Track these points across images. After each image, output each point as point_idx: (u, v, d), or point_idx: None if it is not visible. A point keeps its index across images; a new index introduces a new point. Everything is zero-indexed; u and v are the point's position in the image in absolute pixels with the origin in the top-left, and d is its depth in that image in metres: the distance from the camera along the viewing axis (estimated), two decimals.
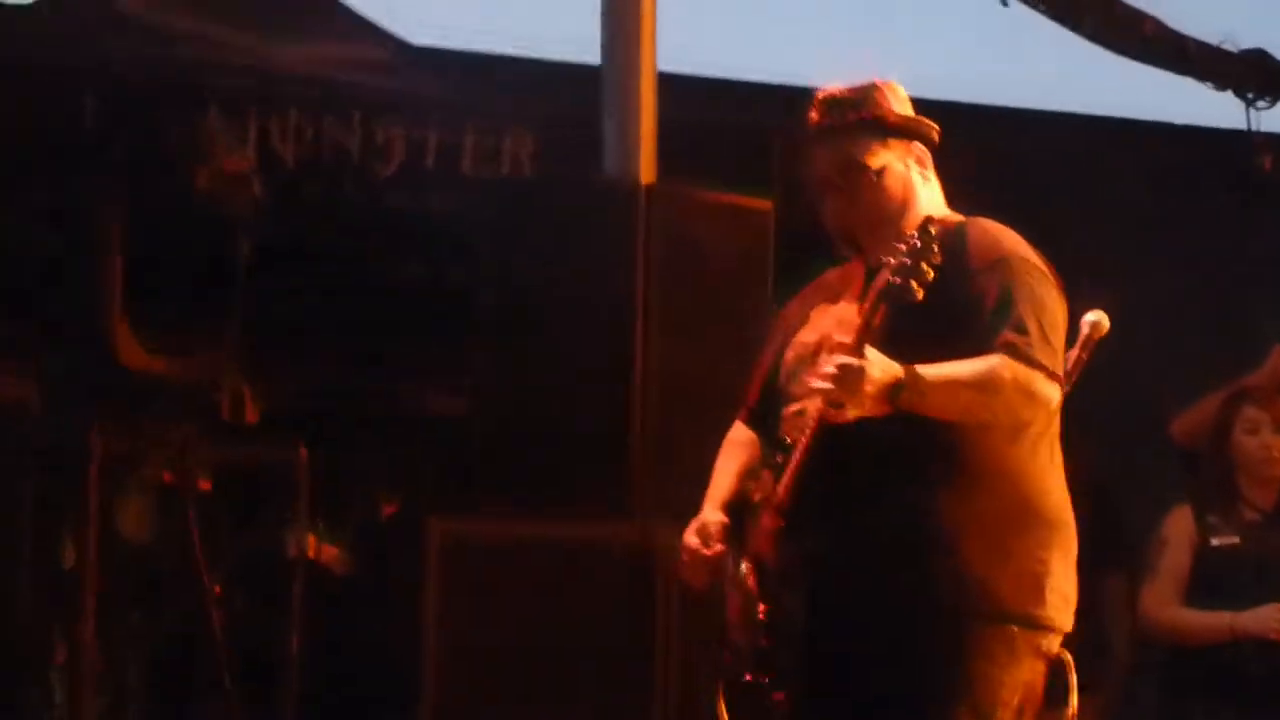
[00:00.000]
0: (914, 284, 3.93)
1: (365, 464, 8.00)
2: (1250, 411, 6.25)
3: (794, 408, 4.25)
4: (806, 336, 4.36)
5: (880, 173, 4.30)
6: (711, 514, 4.37)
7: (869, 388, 3.94)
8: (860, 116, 4.32)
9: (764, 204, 6.81)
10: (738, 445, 4.51)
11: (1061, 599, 4.15)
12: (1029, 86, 8.73)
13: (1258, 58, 8.72)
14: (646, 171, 7.01)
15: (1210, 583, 6.13)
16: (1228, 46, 8.69)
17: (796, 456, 4.11)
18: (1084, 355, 4.50)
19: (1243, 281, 8.25)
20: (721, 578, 4.32)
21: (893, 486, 4.11)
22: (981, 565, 4.08)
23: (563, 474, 6.29)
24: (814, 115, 4.38)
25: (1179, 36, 8.63)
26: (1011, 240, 4.27)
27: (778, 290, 6.53)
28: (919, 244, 3.94)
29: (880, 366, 3.95)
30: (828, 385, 3.95)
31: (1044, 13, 8.47)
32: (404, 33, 7.97)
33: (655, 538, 6.07)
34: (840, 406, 3.96)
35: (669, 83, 7.27)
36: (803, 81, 8.48)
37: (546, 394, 6.43)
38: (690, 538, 4.34)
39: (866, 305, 4.01)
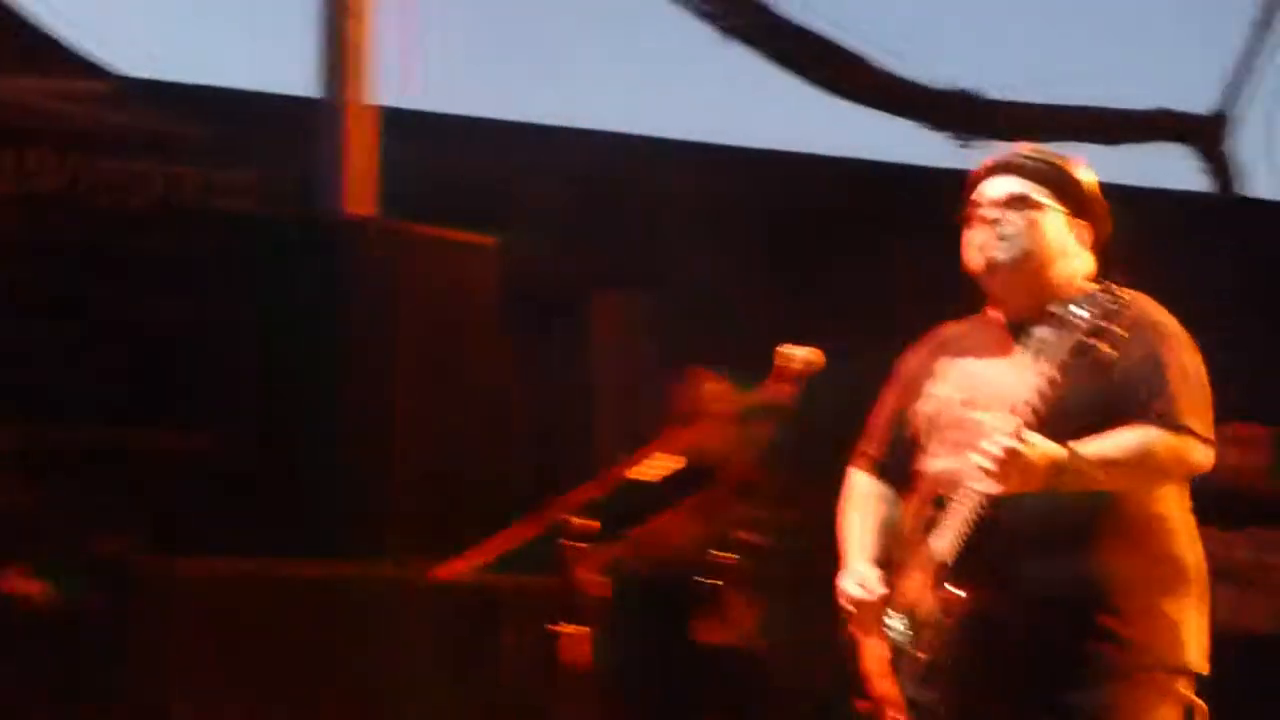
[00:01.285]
0: (1105, 346, 4.02)
1: (87, 500, 7.84)
2: None
3: (947, 467, 4.28)
4: (942, 390, 4.39)
5: (1043, 214, 4.32)
6: (865, 567, 4.37)
7: (1031, 475, 4.05)
8: (1046, 163, 4.37)
9: (487, 240, 6.84)
10: (871, 498, 4.53)
11: (1200, 649, 4.27)
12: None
13: (964, 97, 8.97)
14: (365, 207, 7.00)
15: None
16: (939, 86, 8.92)
17: (963, 520, 4.15)
18: (788, 388, 4.60)
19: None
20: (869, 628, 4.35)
21: (1060, 545, 4.17)
22: (1139, 622, 4.19)
23: (308, 512, 6.27)
24: (994, 157, 4.43)
25: (888, 77, 8.84)
26: (1153, 307, 4.35)
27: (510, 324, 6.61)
28: (1111, 304, 4.03)
29: (1043, 452, 4.05)
30: (990, 466, 4.03)
31: (755, 52, 8.62)
32: (120, 65, 7.85)
33: (400, 574, 6.05)
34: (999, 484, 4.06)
35: (399, 119, 7.28)
36: (540, 120, 8.65)
37: (287, 431, 6.39)
38: (853, 587, 4.36)
39: (1053, 366, 4.04)
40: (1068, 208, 4.33)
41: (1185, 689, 4.27)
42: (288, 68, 7.71)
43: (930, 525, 4.24)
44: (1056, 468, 4.06)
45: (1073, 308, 4.05)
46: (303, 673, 6.10)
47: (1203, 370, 4.29)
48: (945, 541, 4.18)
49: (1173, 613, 4.24)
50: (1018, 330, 4.30)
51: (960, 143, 8.93)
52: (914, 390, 4.44)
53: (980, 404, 4.27)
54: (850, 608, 4.38)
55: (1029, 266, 4.29)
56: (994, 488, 4.06)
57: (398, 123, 7.36)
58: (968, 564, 4.17)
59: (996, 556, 4.16)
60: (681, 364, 6.52)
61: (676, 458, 5.10)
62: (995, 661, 4.18)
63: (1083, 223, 4.36)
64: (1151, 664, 4.19)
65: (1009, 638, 4.17)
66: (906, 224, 8.38)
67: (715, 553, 6.17)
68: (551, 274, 7.75)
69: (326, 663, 6.12)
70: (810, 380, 4.86)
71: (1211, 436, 4.24)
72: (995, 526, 4.13)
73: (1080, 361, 4.03)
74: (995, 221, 4.31)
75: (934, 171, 8.97)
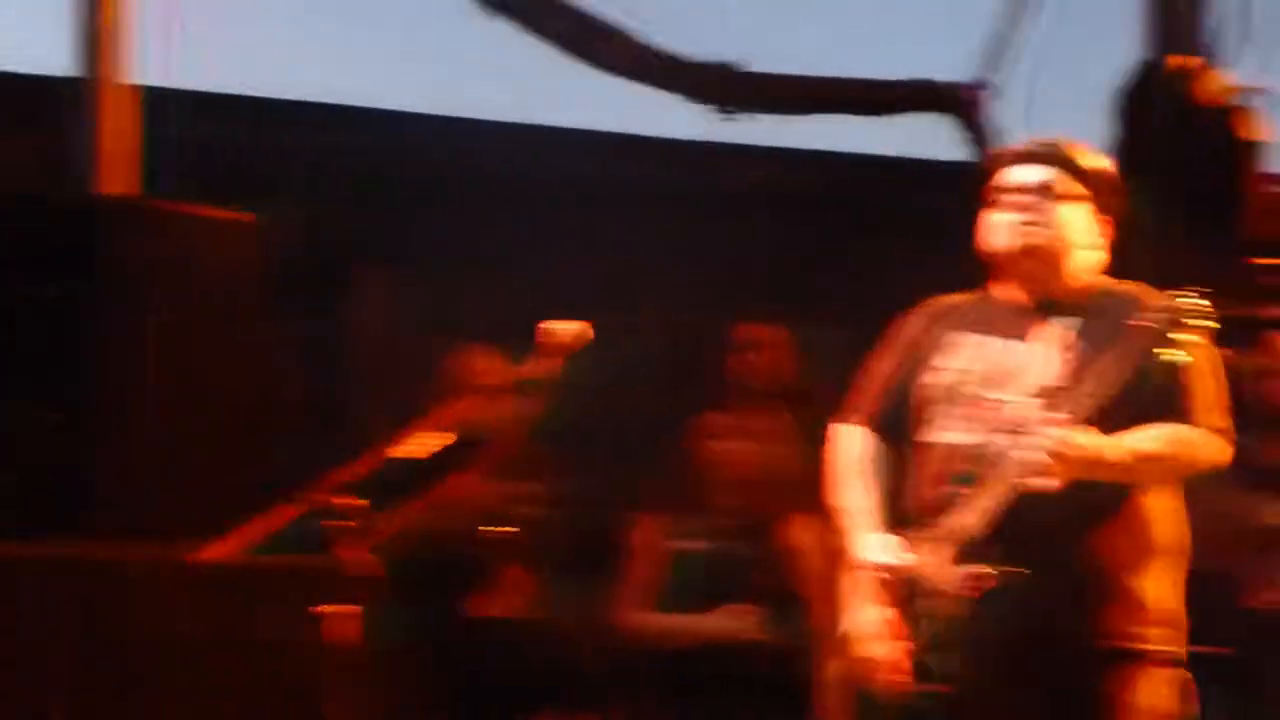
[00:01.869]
0: (1159, 353, 4.25)
1: None
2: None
3: (964, 442, 4.39)
4: (956, 363, 4.50)
5: (1075, 205, 4.50)
6: (886, 536, 4.46)
7: (1084, 468, 4.23)
8: (1075, 156, 4.52)
9: (248, 216, 6.76)
10: (869, 461, 4.59)
11: (1181, 627, 4.45)
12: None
13: (723, 69, 9.02)
14: (124, 185, 6.90)
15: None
16: (698, 59, 8.96)
17: (993, 499, 4.28)
18: (554, 362, 4.62)
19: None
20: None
21: (1072, 529, 4.32)
22: (1137, 605, 4.36)
23: (67, 494, 6.18)
24: (1022, 145, 4.58)
25: (644, 48, 8.86)
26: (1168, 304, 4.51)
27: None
28: (1175, 315, 4.25)
29: (1095, 446, 4.24)
30: (1044, 457, 4.21)
31: (516, 25, 8.60)
32: None
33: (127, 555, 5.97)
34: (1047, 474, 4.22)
35: (159, 97, 7.17)
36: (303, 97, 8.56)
37: (41, 414, 6.28)
38: (887, 555, 4.44)
39: (1119, 366, 4.25)
40: (1095, 203, 4.52)
41: (1179, 672, 4.44)
42: (43, 46, 7.56)
43: (950, 501, 4.37)
44: (1104, 461, 4.26)
45: (1150, 313, 4.27)
46: (64, 655, 6.00)
47: (1221, 366, 4.47)
48: (971, 518, 4.31)
49: (1168, 597, 4.43)
50: (1036, 313, 4.48)
51: (720, 115, 8.98)
52: (917, 359, 4.57)
53: (997, 383, 4.43)
54: (886, 575, 4.42)
55: (1058, 252, 4.48)
56: (1048, 481, 4.22)
57: (158, 100, 7.25)
58: (993, 543, 4.30)
59: (1017, 538, 4.29)
60: (448, 339, 6.51)
61: (445, 433, 5.07)
62: (1011, 639, 4.31)
63: (1105, 218, 4.55)
64: (1153, 648, 4.37)
65: (1024, 616, 4.30)
66: (668, 195, 8.46)
67: (488, 526, 6.21)
68: (316, 249, 7.69)
69: (87, 646, 6.02)
70: (580, 354, 4.85)
71: (1232, 434, 4.44)
72: (1018, 508, 4.28)
73: (1135, 364, 4.26)
74: (1029, 207, 4.48)
75: (694, 144, 9.07)
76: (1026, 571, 4.28)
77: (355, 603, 4.68)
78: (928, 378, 4.54)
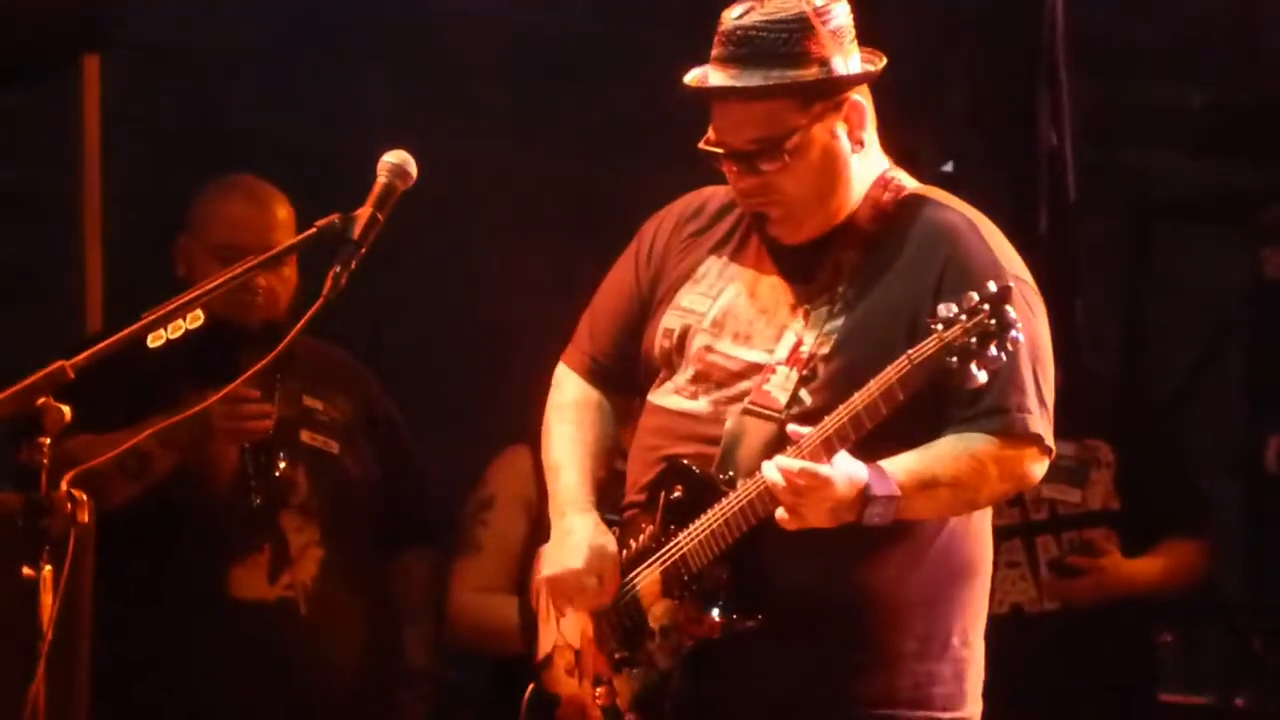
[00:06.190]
0: (973, 368, 3.16)
1: None
2: None
3: (685, 409, 3.55)
4: (693, 303, 3.58)
5: (798, 151, 3.44)
6: (597, 534, 3.57)
7: (830, 506, 3.26)
8: (782, 77, 3.41)
9: None
10: (584, 409, 3.71)
11: (977, 688, 3.62)
12: None
13: None
14: None
15: None
16: None
17: (721, 525, 3.40)
18: (379, 216, 3.35)
19: None
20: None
21: (827, 553, 3.39)
22: (911, 658, 3.49)
23: None
24: (717, 52, 3.48)
25: None
26: (999, 244, 3.49)
27: None
28: (991, 321, 3.16)
29: (848, 480, 3.26)
30: (785, 497, 3.26)
31: None
32: None
33: None
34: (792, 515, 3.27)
35: None
36: None
37: None
38: (589, 579, 3.55)
39: (887, 383, 3.24)
40: (828, 99, 3.46)
41: None
42: None
43: (674, 510, 3.48)
44: (864, 498, 3.28)
45: (941, 310, 3.22)
46: None
47: (1049, 341, 3.37)
48: (695, 544, 3.43)
49: (955, 645, 3.51)
50: (805, 252, 3.51)
51: None
52: (659, 285, 3.66)
53: (731, 332, 3.54)
54: (576, 598, 3.58)
55: (801, 211, 3.49)
56: (784, 519, 3.28)
57: None
58: (718, 576, 3.42)
59: (751, 572, 3.41)
60: None
61: None
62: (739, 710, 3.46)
63: (852, 102, 3.50)
64: (917, 717, 3.47)
65: (759, 680, 3.44)
66: None
67: None
68: None
69: None
70: None
71: (1052, 441, 3.46)
72: (753, 533, 3.37)
73: (937, 380, 3.23)
74: (744, 170, 3.48)
75: None
76: (760, 618, 3.39)
77: None
78: (665, 320, 3.61)
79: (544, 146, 6.40)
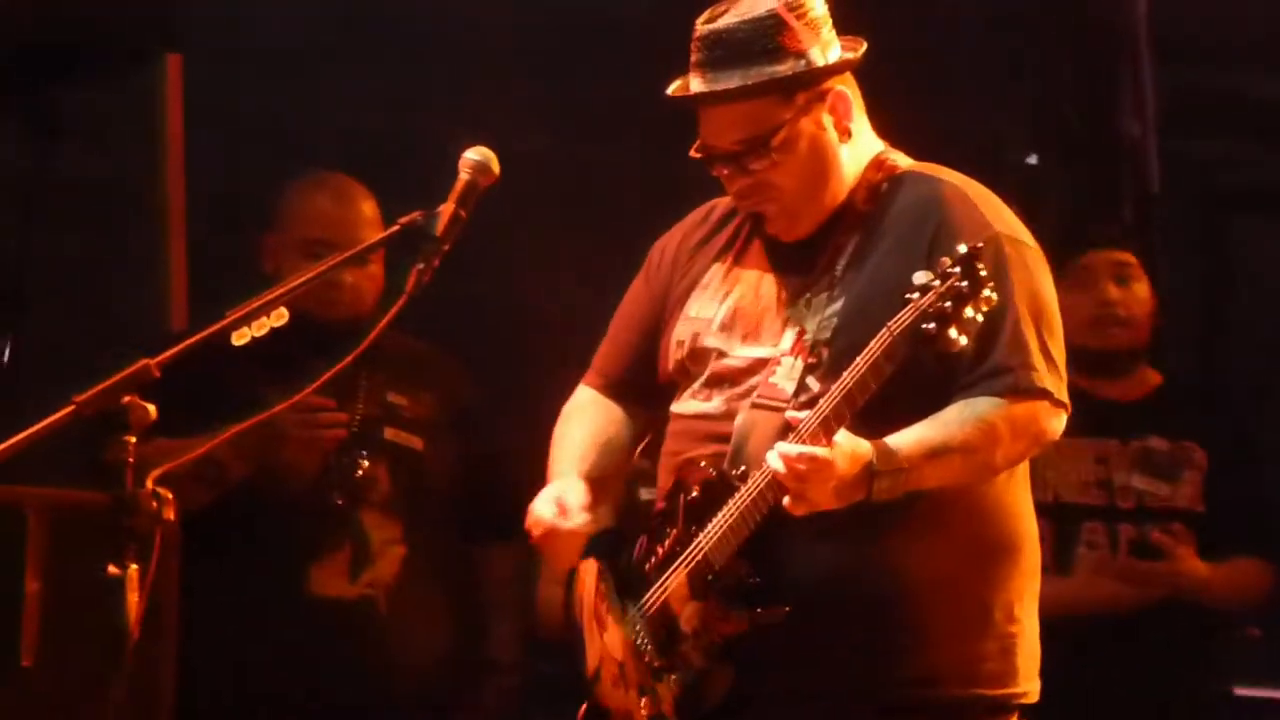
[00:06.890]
0: (952, 332, 3.13)
1: None
2: None
3: (702, 411, 3.56)
4: (705, 311, 3.60)
5: (785, 146, 3.46)
6: (570, 482, 3.62)
7: (834, 486, 3.24)
8: (759, 74, 3.42)
9: None
10: (592, 407, 3.76)
11: (1030, 665, 3.58)
12: None
13: None
14: None
15: None
16: None
17: (740, 522, 3.37)
18: (462, 213, 3.37)
19: None
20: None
21: (849, 537, 3.37)
22: (949, 638, 3.46)
23: None
24: (694, 58, 3.49)
25: None
26: (992, 207, 3.49)
27: None
28: (963, 283, 3.13)
29: (850, 459, 3.24)
30: (789, 483, 3.24)
31: None
32: None
33: None
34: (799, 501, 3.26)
35: None
36: None
37: None
38: (544, 507, 3.59)
39: (876, 356, 3.21)
40: (806, 96, 3.45)
41: None
42: None
43: (693, 511, 3.47)
44: (866, 474, 3.26)
45: (916, 278, 3.18)
46: None
47: (1055, 295, 3.35)
48: (714, 542, 3.40)
49: (999, 621, 3.46)
50: (794, 248, 3.53)
51: None
52: (669, 298, 3.69)
53: (740, 333, 3.55)
54: (536, 530, 3.58)
55: (795, 206, 3.51)
56: (790, 506, 3.26)
57: None
58: (743, 572, 3.39)
59: (773, 563, 3.38)
60: None
61: None
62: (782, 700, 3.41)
63: (836, 92, 3.49)
64: (965, 696, 3.42)
65: (791, 665, 3.40)
66: None
67: None
68: None
69: None
70: None
71: (1066, 396, 3.42)
72: (773, 523, 3.33)
73: (917, 352, 3.18)
74: (732, 172, 3.50)
75: None
76: (787, 610, 3.36)
77: None
78: (677, 330, 3.64)
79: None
